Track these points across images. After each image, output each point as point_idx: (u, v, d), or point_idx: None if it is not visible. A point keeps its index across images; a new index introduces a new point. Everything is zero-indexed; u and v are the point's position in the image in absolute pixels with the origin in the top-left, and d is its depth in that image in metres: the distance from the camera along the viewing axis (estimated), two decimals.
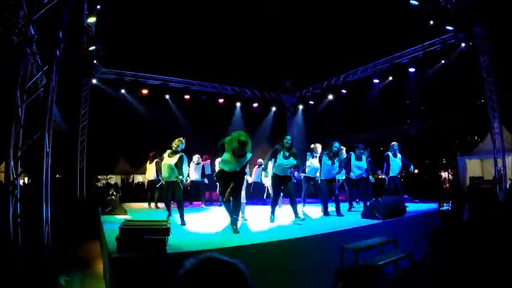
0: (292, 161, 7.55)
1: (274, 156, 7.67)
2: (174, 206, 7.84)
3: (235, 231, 6.21)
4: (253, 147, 8.10)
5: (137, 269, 4.07)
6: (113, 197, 10.45)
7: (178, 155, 7.40)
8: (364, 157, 9.56)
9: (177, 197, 7.46)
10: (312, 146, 9.93)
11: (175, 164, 7.31)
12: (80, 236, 8.77)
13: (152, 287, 3.98)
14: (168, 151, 7.59)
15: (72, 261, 6.85)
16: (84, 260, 7.12)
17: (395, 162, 9.98)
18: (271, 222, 7.50)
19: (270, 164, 8.03)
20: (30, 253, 4.87)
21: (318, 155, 9.23)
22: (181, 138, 7.64)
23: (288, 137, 7.79)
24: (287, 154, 7.56)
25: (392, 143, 10.10)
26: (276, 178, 7.74)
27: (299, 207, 8.29)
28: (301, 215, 7.65)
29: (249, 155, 6.61)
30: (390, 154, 10.01)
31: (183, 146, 7.61)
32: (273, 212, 7.70)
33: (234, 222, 6.38)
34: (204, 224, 7.45)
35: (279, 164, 7.57)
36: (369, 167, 9.72)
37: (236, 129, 7.29)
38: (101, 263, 6.61)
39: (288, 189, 7.62)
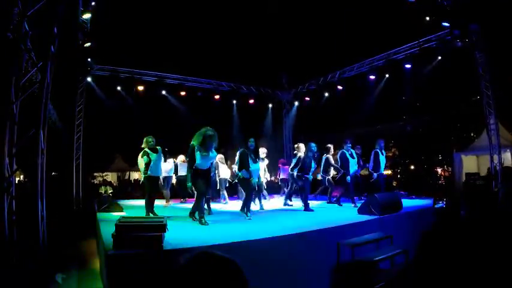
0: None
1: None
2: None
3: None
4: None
5: (133, 266, 4.06)
6: (106, 193, 10.46)
7: (159, 151, 8.16)
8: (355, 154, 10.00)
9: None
10: (296, 145, 10.12)
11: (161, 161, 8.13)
12: (76, 234, 8.75)
13: (148, 283, 3.97)
14: (147, 150, 8.02)
15: (68, 258, 6.83)
16: (80, 258, 7.10)
17: (383, 159, 10.16)
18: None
19: None
20: (26, 250, 4.85)
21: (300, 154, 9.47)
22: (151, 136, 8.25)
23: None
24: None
25: (380, 140, 10.27)
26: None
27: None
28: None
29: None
30: (378, 151, 10.12)
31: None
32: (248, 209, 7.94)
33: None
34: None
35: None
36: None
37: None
38: (98, 260, 6.60)
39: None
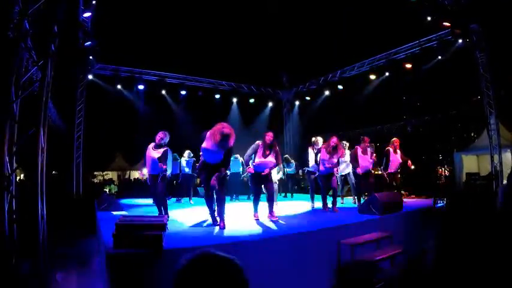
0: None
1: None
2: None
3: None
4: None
5: (134, 265, 4.06)
6: (110, 192, 10.45)
7: (162, 149, 7.27)
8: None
9: (159, 190, 7.32)
10: (313, 139, 9.84)
11: (159, 158, 7.14)
12: (76, 233, 8.76)
13: (149, 283, 3.97)
14: (152, 144, 7.38)
15: (68, 257, 6.84)
16: (80, 257, 7.11)
17: (396, 158, 9.93)
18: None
19: None
20: (26, 249, 4.84)
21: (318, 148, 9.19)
22: (165, 132, 7.48)
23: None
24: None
25: (393, 139, 10.03)
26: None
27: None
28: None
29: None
30: (391, 150, 9.89)
31: (167, 140, 7.45)
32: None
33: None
34: (200, 220, 7.43)
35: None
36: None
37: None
38: (98, 259, 6.60)
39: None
